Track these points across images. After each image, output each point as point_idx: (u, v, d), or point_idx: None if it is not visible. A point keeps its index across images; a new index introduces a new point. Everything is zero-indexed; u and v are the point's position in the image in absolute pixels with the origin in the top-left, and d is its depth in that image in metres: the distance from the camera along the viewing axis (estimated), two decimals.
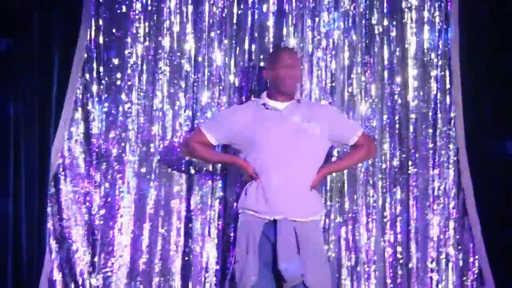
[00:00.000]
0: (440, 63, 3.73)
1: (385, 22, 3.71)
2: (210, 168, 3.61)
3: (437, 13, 3.75)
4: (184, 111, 3.61)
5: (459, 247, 3.72)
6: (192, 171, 3.59)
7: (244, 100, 3.62)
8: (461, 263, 3.71)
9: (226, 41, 3.64)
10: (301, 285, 2.98)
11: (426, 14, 3.75)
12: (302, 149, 3.08)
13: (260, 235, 3.01)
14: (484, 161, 3.71)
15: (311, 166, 3.13)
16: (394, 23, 3.73)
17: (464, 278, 3.70)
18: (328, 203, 3.62)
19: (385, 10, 3.74)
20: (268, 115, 3.14)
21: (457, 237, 3.72)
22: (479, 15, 3.71)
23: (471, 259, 3.71)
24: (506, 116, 3.72)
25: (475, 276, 3.71)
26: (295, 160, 3.07)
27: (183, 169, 3.60)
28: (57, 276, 3.47)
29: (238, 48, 3.65)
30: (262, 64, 3.60)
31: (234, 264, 3.05)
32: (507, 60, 3.72)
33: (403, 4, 3.73)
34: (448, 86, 3.73)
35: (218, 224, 3.59)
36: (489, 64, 3.73)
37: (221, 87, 3.64)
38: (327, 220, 3.62)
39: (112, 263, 3.52)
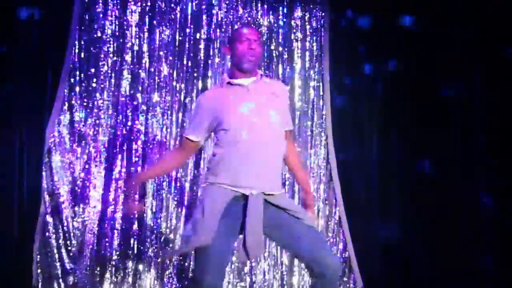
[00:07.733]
0: (316, 77, 4.85)
1: (280, 48, 4.80)
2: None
3: (314, 43, 4.87)
4: (140, 106, 4.59)
5: (326, 202, 4.69)
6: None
7: (183, 100, 4.62)
8: (327, 213, 4.68)
9: (170, 58, 4.63)
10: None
11: (307, 44, 4.85)
12: (272, 122, 2.88)
13: (226, 206, 2.76)
14: (344, 141, 4.79)
15: (280, 138, 2.93)
16: (286, 49, 4.80)
17: (329, 223, 4.69)
18: None
19: (280, 40, 4.82)
20: (235, 92, 2.91)
21: (325, 195, 4.70)
22: (342, 47, 4.86)
23: (333, 210, 4.69)
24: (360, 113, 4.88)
25: (336, 222, 4.69)
26: (267, 132, 2.84)
27: (139, 145, 4.56)
28: (50, 219, 4.33)
29: (179, 63, 4.62)
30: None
31: (186, 225, 2.88)
32: (363, 74, 4.92)
33: (292, 36, 4.84)
34: (321, 92, 4.83)
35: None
36: (350, 77, 4.90)
37: (166, 90, 4.61)
38: None
39: (88, 212, 4.44)
